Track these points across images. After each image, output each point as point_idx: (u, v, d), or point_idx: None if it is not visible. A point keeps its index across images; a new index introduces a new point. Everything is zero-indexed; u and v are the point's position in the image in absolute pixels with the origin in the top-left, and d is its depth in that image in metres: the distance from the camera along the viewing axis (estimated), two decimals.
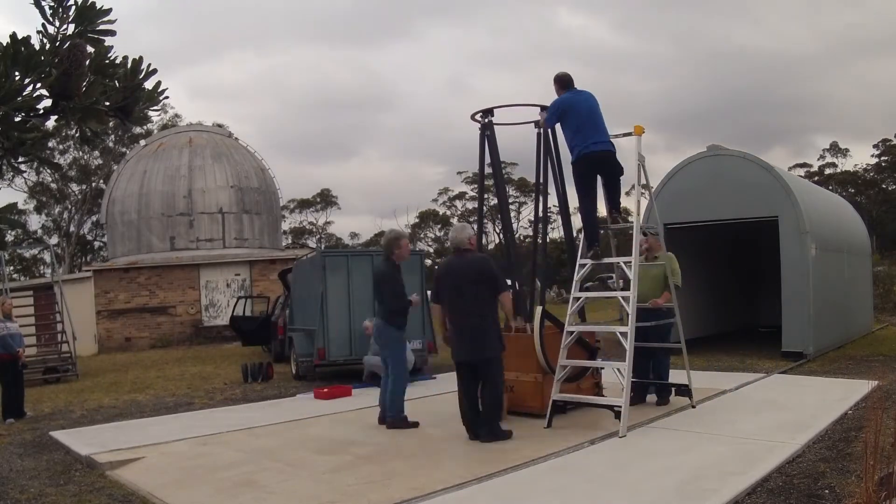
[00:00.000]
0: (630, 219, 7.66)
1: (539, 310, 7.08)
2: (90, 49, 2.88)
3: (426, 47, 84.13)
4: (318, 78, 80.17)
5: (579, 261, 7.18)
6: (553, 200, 8.36)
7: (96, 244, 42.73)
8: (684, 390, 7.40)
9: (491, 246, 47.61)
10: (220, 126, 33.05)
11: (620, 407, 6.17)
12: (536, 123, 7.89)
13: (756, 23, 72.73)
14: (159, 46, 65.40)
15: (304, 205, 55.02)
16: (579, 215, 7.91)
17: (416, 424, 6.85)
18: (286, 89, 78.85)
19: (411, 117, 79.44)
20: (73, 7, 2.83)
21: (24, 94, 2.73)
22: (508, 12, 77.71)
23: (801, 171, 54.71)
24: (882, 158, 55.96)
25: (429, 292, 8.53)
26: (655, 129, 75.78)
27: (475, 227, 7.99)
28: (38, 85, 2.76)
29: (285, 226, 46.21)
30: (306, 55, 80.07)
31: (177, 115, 39.87)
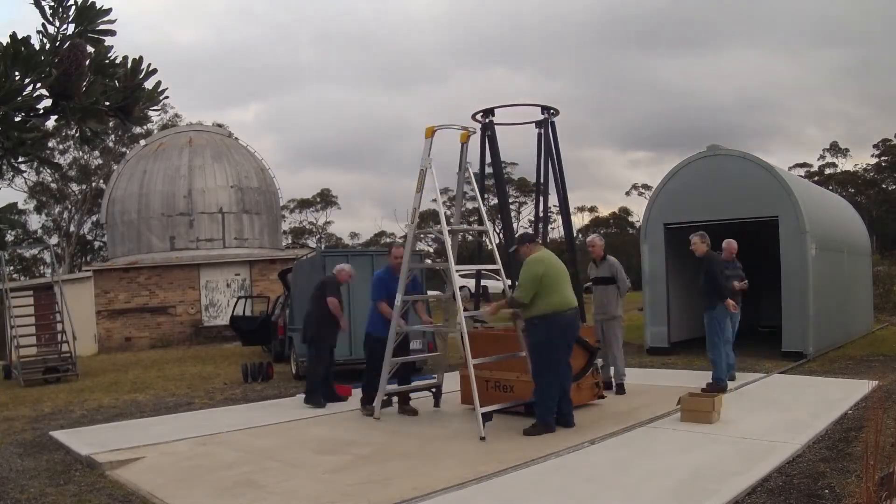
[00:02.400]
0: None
1: None
2: (90, 49, 2.88)
3: (447, 90, 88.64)
4: (345, 112, 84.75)
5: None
6: (553, 200, 8.37)
7: (96, 244, 42.73)
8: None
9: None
10: (220, 126, 33.05)
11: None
12: (537, 124, 7.90)
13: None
14: (211, 89, 73.75)
15: (303, 205, 55.02)
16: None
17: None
18: (311, 118, 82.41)
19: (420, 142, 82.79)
20: (73, 7, 2.83)
21: (24, 94, 2.73)
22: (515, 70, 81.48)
23: (801, 171, 54.71)
24: (882, 158, 55.98)
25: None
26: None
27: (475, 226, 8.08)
28: (38, 85, 2.76)
29: (285, 226, 46.22)
30: (338, 95, 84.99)
31: (177, 115, 39.90)
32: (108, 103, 3.00)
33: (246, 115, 78.89)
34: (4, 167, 2.96)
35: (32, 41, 2.73)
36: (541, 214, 8.32)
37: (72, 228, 40.92)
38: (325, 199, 55.39)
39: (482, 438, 6.12)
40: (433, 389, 7.86)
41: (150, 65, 3.07)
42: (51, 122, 3.01)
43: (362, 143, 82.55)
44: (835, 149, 59.35)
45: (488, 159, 8.06)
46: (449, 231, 7.22)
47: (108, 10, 2.90)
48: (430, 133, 7.10)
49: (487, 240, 8.04)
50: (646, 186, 56.24)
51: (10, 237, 34.43)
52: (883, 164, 55.87)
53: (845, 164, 58.37)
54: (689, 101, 79.66)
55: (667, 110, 79.19)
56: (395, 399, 7.76)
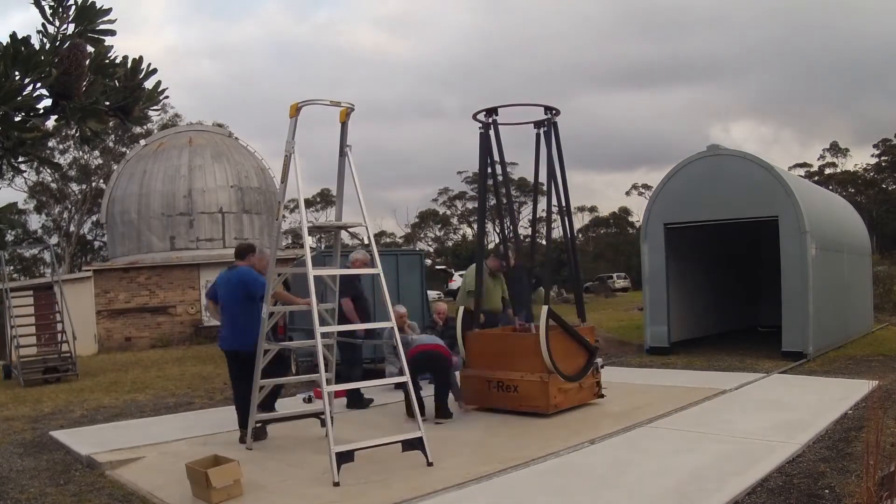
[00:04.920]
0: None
1: (545, 309, 7.08)
2: (90, 49, 2.88)
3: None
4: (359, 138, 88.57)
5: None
6: (553, 200, 8.35)
7: (96, 244, 42.74)
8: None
9: (491, 245, 47.62)
10: (220, 126, 33.04)
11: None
12: (536, 124, 7.90)
13: None
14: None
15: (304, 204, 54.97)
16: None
17: None
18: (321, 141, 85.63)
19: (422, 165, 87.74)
20: (73, 7, 2.83)
21: (24, 94, 2.73)
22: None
23: (801, 171, 54.75)
24: (882, 158, 56.02)
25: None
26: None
27: (475, 227, 8.03)
28: (38, 85, 2.76)
29: (285, 225, 46.15)
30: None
31: (177, 115, 39.91)
32: (108, 103, 3.00)
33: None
34: (4, 167, 2.97)
35: (32, 41, 2.73)
36: (542, 214, 8.31)
37: (72, 228, 40.94)
38: (326, 199, 55.37)
39: (336, 484, 5.03)
40: (321, 416, 6.53)
41: (149, 65, 3.07)
42: (51, 122, 3.01)
43: (364, 154, 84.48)
44: (835, 149, 59.37)
45: (488, 160, 8.04)
46: (318, 227, 6.76)
47: (108, 10, 2.91)
48: (295, 111, 5.84)
49: (365, 236, 6.67)
50: (646, 186, 56.29)
51: (10, 237, 34.46)
52: (883, 164, 55.91)
53: (845, 164, 58.39)
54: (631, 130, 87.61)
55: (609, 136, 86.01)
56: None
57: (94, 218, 39.66)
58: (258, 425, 6.45)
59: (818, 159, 60.18)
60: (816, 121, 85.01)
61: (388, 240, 55.48)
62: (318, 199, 55.63)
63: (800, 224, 10.78)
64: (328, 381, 5.81)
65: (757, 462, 5.17)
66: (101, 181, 37.53)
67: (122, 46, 2.91)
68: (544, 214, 9.98)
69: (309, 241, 5.98)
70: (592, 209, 60.76)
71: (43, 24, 2.81)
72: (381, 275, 6.10)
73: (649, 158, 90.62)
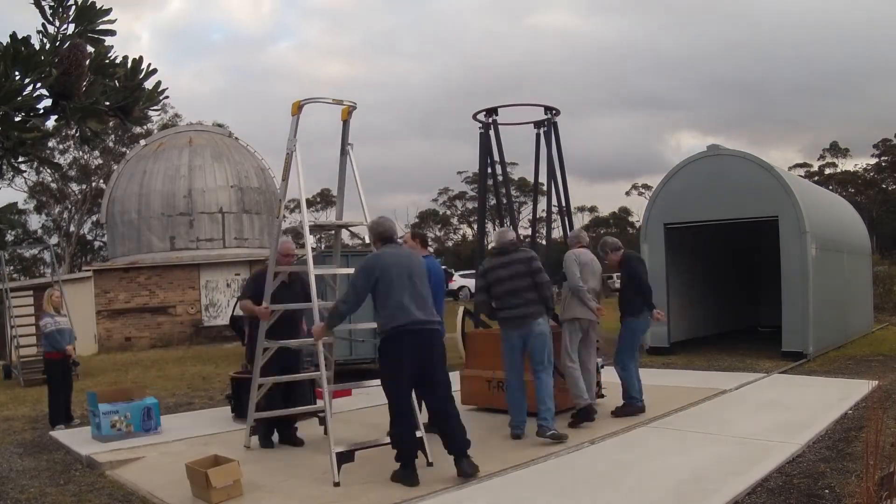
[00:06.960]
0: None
1: None
2: (90, 49, 2.88)
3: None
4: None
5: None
6: (553, 200, 8.35)
7: (96, 244, 42.76)
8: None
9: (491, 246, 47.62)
10: (220, 126, 33.04)
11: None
12: (536, 124, 7.91)
13: None
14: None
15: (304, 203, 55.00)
16: None
17: None
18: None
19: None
20: (73, 7, 2.83)
21: (24, 94, 2.73)
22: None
23: (801, 171, 54.76)
24: (882, 158, 56.04)
25: None
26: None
27: (475, 226, 8.02)
28: (38, 85, 2.76)
29: (285, 225, 46.15)
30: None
31: (177, 115, 39.92)
32: (108, 103, 3.00)
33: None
34: (4, 167, 2.96)
35: (32, 41, 2.73)
36: (542, 214, 8.31)
37: (72, 228, 40.95)
38: (326, 199, 55.38)
39: (336, 484, 5.02)
40: (320, 414, 6.41)
41: (149, 65, 3.07)
42: (51, 122, 3.01)
43: (363, 155, 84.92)
44: (835, 149, 59.39)
45: (488, 160, 8.05)
46: (318, 226, 6.87)
47: (108, 10, 2.90)
48: (297, 109, 5.79)
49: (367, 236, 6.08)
50: (646, 186, 56.32)
51: (10, 237, 34.49)
52: (883, 164, 55.94)
53: (845, 164, 58.41)
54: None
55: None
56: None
57: (94, 218, 39.69)
58: (256, 424, 6.45)
59: (818, 159, 60.24)
60: (767, 134, 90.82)
61: None
62: (319, 199, 55.64)
63: (800, 224, 10.78)
64: (328, 381, 5.81)
65: (757, 462, 5.17)
66: (101, 181, 37.54)
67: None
68: (544, 214, 9.97)
69: (310, 240, 5.97)
70: (592, 209, 60.85)
71: (43, 24, 2.81)
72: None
73: (640, 170, 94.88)
